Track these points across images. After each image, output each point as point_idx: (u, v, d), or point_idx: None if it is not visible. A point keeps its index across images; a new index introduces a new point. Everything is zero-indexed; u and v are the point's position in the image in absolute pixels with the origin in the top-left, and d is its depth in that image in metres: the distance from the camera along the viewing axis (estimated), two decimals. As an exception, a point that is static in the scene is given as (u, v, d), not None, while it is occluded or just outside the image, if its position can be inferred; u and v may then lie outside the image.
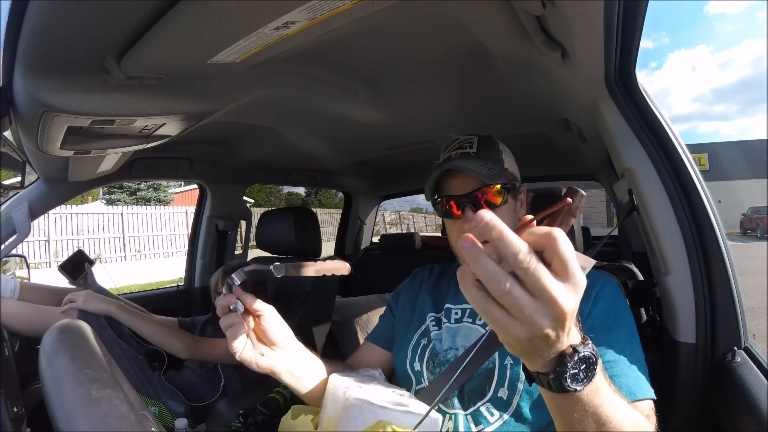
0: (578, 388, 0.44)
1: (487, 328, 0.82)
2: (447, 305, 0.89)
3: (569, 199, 0.45)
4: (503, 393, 0.75)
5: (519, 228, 0.39)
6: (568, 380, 0.43)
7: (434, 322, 0.88)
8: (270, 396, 1.28)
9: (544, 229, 0.37)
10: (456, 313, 0.87)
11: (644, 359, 0.72)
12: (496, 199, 0.82)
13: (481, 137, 0.87)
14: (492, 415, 0.74)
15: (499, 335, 0.40)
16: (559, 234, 0.37)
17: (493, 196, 0.81)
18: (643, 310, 1.58)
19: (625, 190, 0.98)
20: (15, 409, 0.74)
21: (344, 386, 0.72)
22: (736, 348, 0.78)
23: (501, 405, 0.74)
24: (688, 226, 0.83)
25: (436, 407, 0.77)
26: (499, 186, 0.82)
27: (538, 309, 0.36)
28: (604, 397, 0.48)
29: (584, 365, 0.44)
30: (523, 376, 0.73)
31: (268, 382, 1.54)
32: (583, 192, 0.51)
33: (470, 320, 0.85)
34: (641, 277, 1.59)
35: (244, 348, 0.71)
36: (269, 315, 0.73)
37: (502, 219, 0.44)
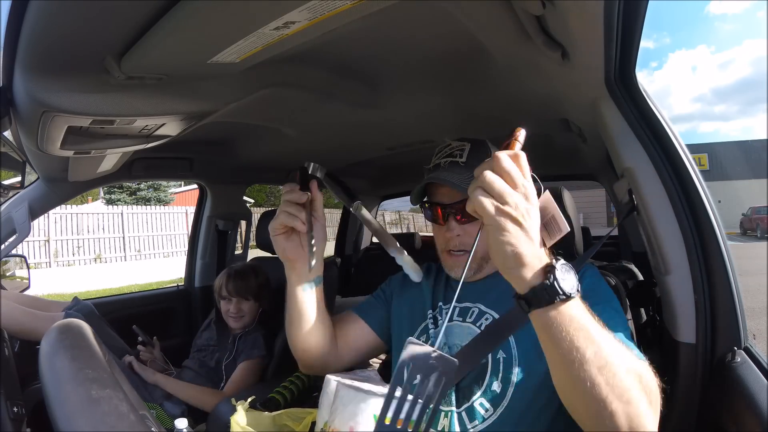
0: (572, 293, 0.52)
1: (478, 325, 0.83)
2: (440, 304, 0.91)
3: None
4: (497, 386, 0.76)
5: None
6: (561, 284, 0.52)
7: (432, 320, 0.89)
8: (270, 396, 1.28)
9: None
10: (448, 312, 0.88)
11: (631, 336, 0.72)
12: None
13: (474, 143, 0.88)
14: (486, 410, 0.75)
15: (497, 245, 0.52)
16: (500, 155, 0.53)
17: None
18: (643, 310, 1.58)
19: (625, 190, 0.98)
20: (15, 409, 0.74)
21: (336, 379, 0.75)
22: (736, 348, 0.78)
23: (495, 399, 0.75)
24: (688, 226, 0.83)
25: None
26: None
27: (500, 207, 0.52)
28: (592, 319, 0.55)
29: (570, 273, 0.54)
30: (517, 369, 0.75)
31: (268, 382, 1.54)
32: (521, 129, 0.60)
33: (460, 319, 0.86)
34: (641, 277, 1.59)
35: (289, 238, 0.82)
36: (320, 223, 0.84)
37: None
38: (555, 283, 0.52)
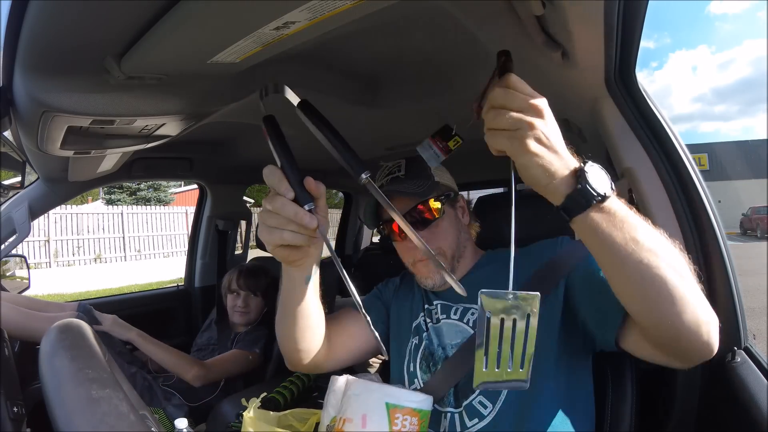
0: (606, 193, 0.53)
1: (465, 321, 0.83)
2: (426, 306, 0.91)
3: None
4: None
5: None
6: (593, 185, 0.52)
7: (423, 324, 0.90)
8: (270, 396, 1.28)
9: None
10: (435, 312, 0.89)
11: None
12: (434, 213, 0.87)
13: (409, 159, 0.91)
14: (485, 407, 0.75)
15: (525, 169, 0.52)
16: (493, 91, 0.54)
17: (430, 211, 0.86)
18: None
19: (625, 190, 0.98)
20: (15, 409, 0.73)
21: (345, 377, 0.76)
22: (736, 348, 0.78)
23: (492, 395, 0.76)
24: (688, 226, 0.83)
25: (431, 407, 0.77)
26: (433, 200, 0.86)
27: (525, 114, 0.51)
28: (630, 211, 0.55)
29: (601, 173, 0.54)
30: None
31: (268, 382, 1.54)
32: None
33: (444, 316, 0.87)
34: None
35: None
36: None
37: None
38: (587, 186, 0.52)
